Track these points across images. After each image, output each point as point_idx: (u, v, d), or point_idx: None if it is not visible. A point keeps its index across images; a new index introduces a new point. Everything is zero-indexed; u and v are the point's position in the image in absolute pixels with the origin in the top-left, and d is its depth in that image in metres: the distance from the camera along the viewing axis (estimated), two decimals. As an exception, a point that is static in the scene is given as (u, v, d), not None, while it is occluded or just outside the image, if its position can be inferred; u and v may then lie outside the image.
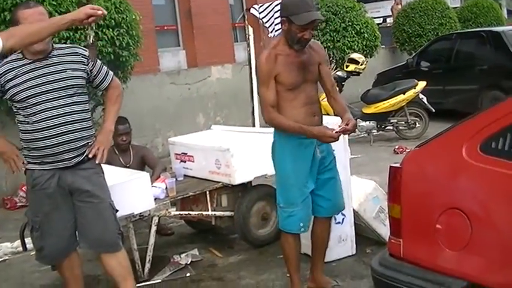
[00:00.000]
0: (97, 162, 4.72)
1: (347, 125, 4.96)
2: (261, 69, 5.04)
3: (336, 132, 4.91)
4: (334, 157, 5.37)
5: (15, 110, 4.66)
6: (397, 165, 3.91)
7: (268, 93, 4.97)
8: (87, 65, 4.74)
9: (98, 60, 4.91)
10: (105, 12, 4.46)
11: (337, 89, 5.27)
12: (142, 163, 7.44)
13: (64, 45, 4.96)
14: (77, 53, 4.76)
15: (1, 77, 4.53)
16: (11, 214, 9.41)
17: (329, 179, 5.26)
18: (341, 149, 5.70)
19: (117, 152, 7.14)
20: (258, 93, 5.15)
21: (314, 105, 5.13)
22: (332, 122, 5.35)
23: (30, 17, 4.45)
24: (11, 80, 4.51)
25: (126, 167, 7.07)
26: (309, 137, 4.97)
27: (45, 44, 4.55)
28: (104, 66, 4.95)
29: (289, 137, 5.06)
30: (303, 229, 5.15)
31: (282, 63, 4.97)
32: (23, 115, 4.58)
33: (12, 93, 4.53)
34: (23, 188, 9.44)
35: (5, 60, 4.66)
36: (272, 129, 5.20)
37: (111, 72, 5.00)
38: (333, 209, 5.39)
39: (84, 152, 4.67)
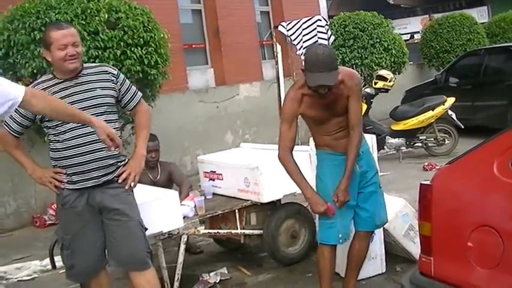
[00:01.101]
0: (126, 188, 4.72)
1: (337, 198, 5.06)
2: (285, 107, 5.13)
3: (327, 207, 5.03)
4: (377, 171, 5.43)
5: (46, 130, 4.69)
6: (427, 182, 3.88)
7: (288, 133, 5.08)
8: (116, 84, 4.77)
9: (127, 80, 4.93)
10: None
11: (361, 125, 5.20)
12: (169, 179, 7.46)
13: (93, 64, 4.99)
14: (106, 71, 4.79)
15: None
16: (40, 232, 9.48)
17: (372, 193, 5.30)
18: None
19: (144, 169, 7.16)
20: (280, 128, 5.15)
21: (343, 131, 5.15)
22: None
23: (63, 39, 4.49)
24: (42, 100, 4.55)
25: (154, 182, 7.09)
26: (303, 194, 5.15)
27: (78, 63, 4.60)
28: (133, 87, 4.97)
29: (328, 154, 5.19)
30: (341, 240, 5.16)
31: (308, 103, 5.01)
32: (54, 134, 4.61)
33: None
34: (52, 206, 9.52)
35: (36, 81, 4.74)
36: (300, 147, 5.24)
37: (139, 94, 5.01)
38: (375, 222, 5.39)
39: (114, 170, 4.68)
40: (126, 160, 4.82)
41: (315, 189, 5.21)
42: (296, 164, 5.13)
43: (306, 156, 6.21)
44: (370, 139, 5.90)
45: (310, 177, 5.37)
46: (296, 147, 5.23)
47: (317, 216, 5.48)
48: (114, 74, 4.79)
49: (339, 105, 5.04)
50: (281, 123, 5.12)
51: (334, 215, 5.06)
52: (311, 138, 5.62)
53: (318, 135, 5.25)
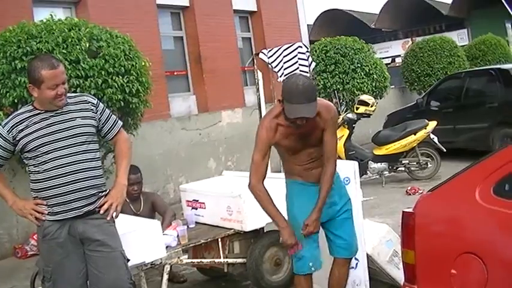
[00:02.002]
0: (108, 218, 4.69)
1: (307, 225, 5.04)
2: (259, 136, 5.01)
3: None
4: (349, 199, 5.38)
5: (27, 161, 4.66)
6: (410, 210, 3.88)
7: (261, 162, 5.00)
8: (96, 113, 4.76)
9: (107, 109, 4.92)
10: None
11: (336, 157, 5.18)
12: (152, 210, 7.43)
13: (73, 94, 4.96)
14: (86, 101, 4.78)
15: (13, 128, 4.55)
16: (22, 263, 9.40)
17: (345, 219, 5.28)
18: (352, 192, 5.65)
19: (127, 200, 7.12)
20: (252, 156, 5.06)
21: (317, 161, 5.12)
22: (342, 167, 5.35)
23: (55, 78, 4.48)
24: (22, 130, 4.54)
25: (136, 214, 7.04)
26: (276, 224, 5.10)
27: (65, 99, 4.61)
28: (113, 116, 4.96)
29: (297, 183, 5.17)
30: (313, 268, 5.11)
31: (282, 133, 4.97)
32: (34, 164, 4.58)
33: (23, 143, 4.54)
34: (34, 237, 9.44)
35: (17, 112, 4.72)
36: (275, 174, 5.22)
37: (119, 123, 5.00)
38: (352, 249, 5.34)
39: (95, 201, 4.65)
40: (108, 190, 4.79)
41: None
42: (268, 193, 5.04)
43: (282, 183, 6.19)
44: (352, 165, 5.89)
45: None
46: (273, 175, 5.21)
47: None
48: (93, 104, 4.78)
49: (313, 137, 5.02)
50: (254, 152, 5.04)
51: (300, 249, 5.04)
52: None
53: (290, 164, 5.21)
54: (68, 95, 4.76)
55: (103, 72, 8.61)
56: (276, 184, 5.39)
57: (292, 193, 5.24)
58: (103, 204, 4.69)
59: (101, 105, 4.87)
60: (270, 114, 5.06)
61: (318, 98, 4.91)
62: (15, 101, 8.21)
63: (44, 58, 4.70)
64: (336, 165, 5.13)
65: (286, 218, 5.17)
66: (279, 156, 5.34)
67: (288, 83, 4.79)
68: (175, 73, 15.47)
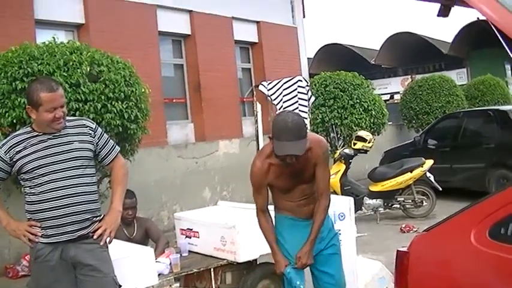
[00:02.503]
0: (101, 244, 4.68)
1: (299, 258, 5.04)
2: (253, 177, 5.07)
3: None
4: (336, 234, 5.36)
5: (23, 182, 4.66)
6: (404, 249, 3.87)
7: (258, 199, 5.13)
8: (94, 138, 4.76)
9: (105, 134, 4.92)
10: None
11: (329, 192, 5.19)
12: (145, 235, 7.40)
13: (72, 118, 4.97)
14: (84, 125, 4.79)
15: (11, 149, 4.55)
16: (12, 283, 9.36)
17: (332, 255, 5.24)
18: (347, 228, 5.65)
19: (121, 224, 7.09)
20: (252, 194, 5.18)
21: (309, 198, 5.13)
22: (337, 202, 5.34)
23: (53, 101, 4.50)
24: (20, 151, 4.54)
25: (129, 238, 7.01)
26: (272, 254, 5.16)
27: (64, 123, 4.62)
28: (111, 141, 4.97)
29: (287, 218, 5.18)
30: (302, 287, 5.04)
31: (274, 173, 4.99)
32: (29, 186, 4.58)
33: (20, 165, 4.54)
34: (26, 257, 9.41)
35: (15, 133, 4.73)
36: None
37: (117, 148, 5.01)
38: (340, 284, 5.29)
39: (89, 225, 4.65)
40: (102, 216, 4.78)
41: None
42: (271, 222, 5.14)
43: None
44: (348, 201, 5.90)
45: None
46: (271, 207, 5.22)
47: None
48: (92, 128, 4.79)
49: (305, 173, 5.02)
50: (252, 192, 5.14)
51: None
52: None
53: (281, 200, 5.21)
54: (67, 118, 4.76)
55: (103, 97, 8.62)
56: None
57: (283, 228, 5.22)
58: (97, 229, 4.68)
59: (99, 129, 4.88)
60: (261, 155, 5.07)
61: (309, 133, 4.94)
62: (14, 121, 8.21)
63: (43, 81, 4.71)
64: (329, 199, 5.13)
65: None
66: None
67: (277, 120, 4.79)
68: (174, 100, 15.50)
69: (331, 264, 5.22)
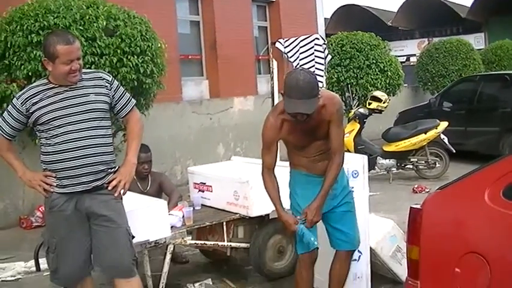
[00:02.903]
0: (115, 195, 4.71)
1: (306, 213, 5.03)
2: (264, 133, 5.05)
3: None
4: (350, 191, 5.36)
5: (39, 134, 4.69)
6: (418, 206, 3.87)
7: (267, 157, 5.09)
8: (110, 90, 4.77)
9: (121, 87, 4.92)
10: None
11: (343, 150, 5.17)
12: (159, 190, 7.45)
13: (88, 70, 4.97)
14: (100, 77, 4.79)
15: (27, 101, 4.56)
16: (26, 234, 9.45)
17: (345, 212, 5.24)
18: (360, 186, 5.65)
19: (135, 178, 7.13)
20: (261, 151, 5.15)
21: (324, 154, 5.09)
22: (351, 160, 5.35)
23: (70, 54, 4.49)
24: (36, 103, 4.55)
25: (143, 193, 7.05)
26: (277, 213, 5.13)
27: (80, 75, 4.63)
28: (127, 94, 4.96)
29: (301, 174, 5.16)
30: (316, 242, 5.03)
31: (287, 129, 4.97)
32: (45, 137, 4.61)
33: (36, 116, 4.56)
34: (40, 209, 9.49)
35: (31, 85, 4.74)
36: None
37: (133, 101, 5.00)
38: (353, 242, 5.32)
39: (104, 177, 4.68)
40: (117, 168, 4.81)
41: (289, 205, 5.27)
42: (276, 182, 5.11)
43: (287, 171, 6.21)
44: (362, 159, 5.89)
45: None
46: (280, 163, 5.22)
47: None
48: (108, 81, 4.79)
49: (319, 130, 5.00)
50: (262, 148, 5.11)
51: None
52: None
53: (296, 156, 5.20)
54: (83, 71, 4.77)
55: (118, 51, 8.63)
56: (282, 172, 5.38)
57: (296, 183, 5.24)
58: (111, 181, 4.71)
59: (116, 82, 4.88)
60: (275, 111, 5.04)
61: (323, 90, 4.92)
62: (29, 74, 8.25)
63: (60, 33, 4.73)
64: (343, 157, 5.12)
65: (289, 205, 5.25)
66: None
67: (289, 78, 4.74)
68: (189, 57, 15.46)
69: (344, 221, 5.23)
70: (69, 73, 4.52)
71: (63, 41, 4.51)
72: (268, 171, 5.12)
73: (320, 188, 5.01)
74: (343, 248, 5.31)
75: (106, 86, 4.76)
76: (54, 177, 4.61)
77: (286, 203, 5.22)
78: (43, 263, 5.47)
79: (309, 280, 5.24)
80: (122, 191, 4.75)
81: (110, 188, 4.69)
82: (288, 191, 5.30)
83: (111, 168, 4.76)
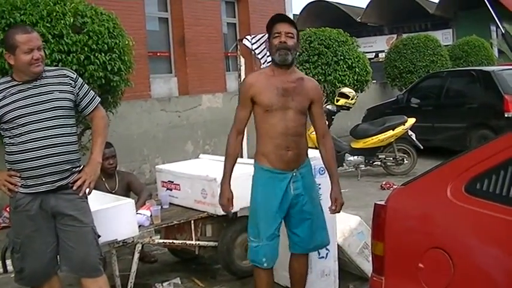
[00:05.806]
0: (80, 194, 4.70)
1: (335, 206, 5.21)
2: (241, 87, 5.20)
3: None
4: (315, 197, 5.33)
5: (3, 132, 4.65)
6: (382, 202, 3.89)
7: (240, 113, 5.12)
8: (74, 88, 4.74)
9: (85, 85, 4.90)
10: None
11: (329, 133, 5.23)
12: (127, 189, 7.41)
13: (52, 68, 4.97)
14: (65, 75, 4.77)
15: None
16: (-7, 234, 9.34)
17: (304, 219, 5.19)
18: (327, 183, 5.66)
19: (102, 178, 7.09)
20: (236, 110, 5.20)
21: (292, 137, 5.01)
22: (318, 157, 5.36)
23: (29, 42, 4.49)
24: (0, 100, 4.51)
25: (111, 192, 7.01)
26: (221, 185, 5.20)
27: (42, 66, 4.60)
28: (91, 91, 4.94)
29: (264, 170, 5.08)
30: (266, 264, 5.08)
31: (263, 82, 4.98)
32: (9, 136, 4.58)
33: (0, 114, 4.52)
34: (7, 209, 9.32)
35: None
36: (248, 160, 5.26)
37: (97, 99, 4.98)
38: (308, 247, 5.33)
39: (68, 176, 4.66)
40: (82, 166, 4.79)
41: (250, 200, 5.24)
42: (235, 148, 5.18)
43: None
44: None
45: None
46: (244, 160, 5.23)
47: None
48: (72, 78, 4.77)
49: (298, 97, 4.99)
50: (237, 107, 5.16)
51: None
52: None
53: (265, 137, 5.06)
54: (47, 68, 4.76)
55: (86, 49, 8.55)
56: (252, 170, 5.37)
57: (258, 181, 5.14)
58: (76, 180, 4.69)
59: (80, 79, 4.85)
60: (253, 73, 5.21)
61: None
62: (-4, 71, 8.17)
63: (18, 26, 4.80)
64: (332, 141, 5.26)
65: (249, 207, 5.25)
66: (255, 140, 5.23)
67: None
68: (158, 54, 15.45)
69: (302, 228, 5.22)
70: (31, 63, 4.50)
71: (21, 31, 4.57)
72: (235, 133, 5.14)
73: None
74: (296, 251, 5.34)
75: (70, 84, 4.74)
76: (19, 177, 4.58)
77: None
78: (10, 264, 5.41)
79: (268, 283, 5.25)
80: (87, 190, 4.73)
81: (74, 187, 4.67)
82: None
83: (76, 168, 4.74)
